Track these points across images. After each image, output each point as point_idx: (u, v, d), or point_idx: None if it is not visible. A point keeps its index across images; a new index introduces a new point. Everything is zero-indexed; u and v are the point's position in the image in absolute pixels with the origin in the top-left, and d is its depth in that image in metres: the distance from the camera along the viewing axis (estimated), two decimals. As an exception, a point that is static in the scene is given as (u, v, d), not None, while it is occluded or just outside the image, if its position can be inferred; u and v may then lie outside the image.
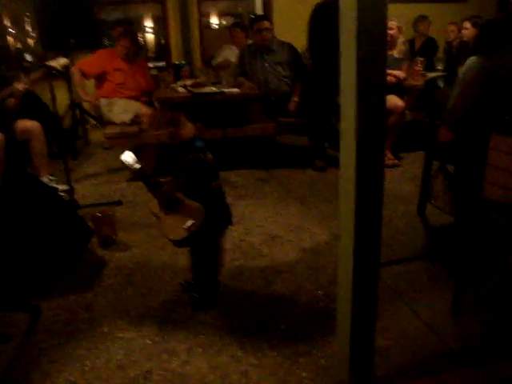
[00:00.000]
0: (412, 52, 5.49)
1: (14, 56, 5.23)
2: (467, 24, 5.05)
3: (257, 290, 2.60)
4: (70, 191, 3.72)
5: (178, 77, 5.15)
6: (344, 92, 1.52)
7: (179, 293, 2.55)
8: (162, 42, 6.41)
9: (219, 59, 5.54)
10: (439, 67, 5.39)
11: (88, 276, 2.78)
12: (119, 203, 3.77)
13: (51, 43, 5.02)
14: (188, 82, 4.71)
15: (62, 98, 5.13)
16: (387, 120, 4.12)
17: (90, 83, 4.90)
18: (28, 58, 5.56)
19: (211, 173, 2.28)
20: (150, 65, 5.89)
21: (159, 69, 5.99)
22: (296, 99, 4.57)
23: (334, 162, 4.49)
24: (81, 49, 5.25)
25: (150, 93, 4.95)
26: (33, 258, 2.66)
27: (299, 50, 4.85)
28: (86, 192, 4.16)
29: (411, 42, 5.74)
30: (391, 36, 4.57)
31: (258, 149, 4.82)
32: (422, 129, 4.66)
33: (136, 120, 4.52)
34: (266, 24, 4.69)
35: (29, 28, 5.59)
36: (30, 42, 5.68)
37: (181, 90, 4.52)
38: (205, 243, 2.36)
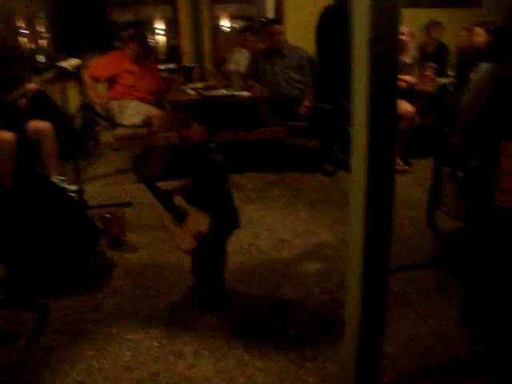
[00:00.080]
0: (423, 57, 5.47)
1: (26, 57, 5.28)
2: (480, 30, 5.01)
3: (264, 293, 2.60)
4: (80, 191, 3.74)
5: (188, 79, 5.16)
6: (355, 96, 1.51)
7: (186, 295, 2.55)
8: (173, 44, 6.43)
9: (231, 66, 5.55)
10: (450, 73, 5.37)
11: (96, 277, 2.79)
12: (128, 204, 3.79)
13: (63, 44, 5.05)
14: (199, 85, 4.73)
15: (74, 99, 5.16)
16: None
17: (102, 85, 4.93)
18: (40, 58, 5.60)
19: (222, 175, 2.29)
20: (161, 67, 5.90)
21: (170, 71, 6.01)
22: (307, 103, 4.55)
23: (344, 166, 4.52)
24: (93, 50, 5.29)
25: (161, 95, 4.96)
26: (42, 257, 2.68)
27: (310, 53, 4.85)
28: (96, 193, 4.18)
29: (423, 48, 5.72)
30: (402, 41, 4.56)
31: (268, 152, 4.83)
32: (432, 134, 4.65)
33: (147, 122, 4.54)
34: (278, 28, 4.70)
35: (41, 29, 5.63)
36: (43, 42, 5.72)
37: (191, 92, 4.53)
38: (210, 246, 2.36)
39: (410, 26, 4.80)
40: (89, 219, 3.01)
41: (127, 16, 6.75)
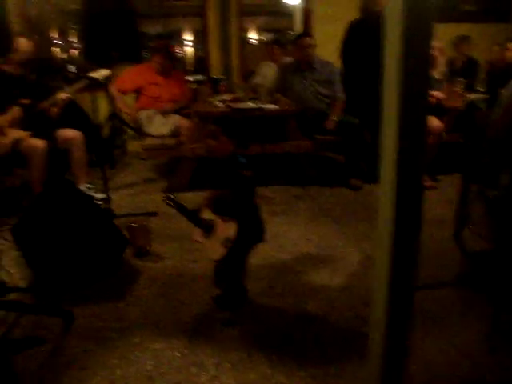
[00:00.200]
0: (452, 72, 5.42)
1: (58, 67, 5.40)
2: (511, 45, 4.97)
3: (287, 307, 2.58)
4: (107, 200, 3.79)
5: (216, 91, 5.21)
6: (385, 111, 1.50)
7: (210, 306, 2.56)
8: (201, 55, 6.50)
9: (258, 80, 5.58)
10: (480, 89, 5.31)
11: (121, 285, 2.82)
12: (154, 214, 3.82)
13: (94, 55, 5.15)
14: (226, 97, 4.77)
15: (103, 109, 5.25)
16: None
17: (130, 95, 5.00)
18: (71, 68, 5.73)
19: (250, 190, 2.31)
20: (190, 78, 5.97)
21: (198, 82, 6.07)
22: (334, 118, 4.53)
23: (370, 181, 4.49)
24: (123, 61, 5.38)
25: (185, 104, 5.00)
26: (69, 264, 2.72)
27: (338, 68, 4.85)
28: (122, 201, 4.23)
29: (452, 63, 5.67)
30: (432, 56, 4.53)
31: (294, 165, 4.83)
32: (460, 151, 4.59)
33: (175, 132, 4.59)
34: (309, 41, 4.70)
35: (73, 39, 5.76)
36: (74, 53, 5.85)
37: (219, 104, 4.57)
38: (234, 257, 2.38)
39: (439, 40, 4.77)
40: (115, 228, 3.05)
41: (157, 27, 6.87)
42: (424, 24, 1.39)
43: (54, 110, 4.01)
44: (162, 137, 4.61)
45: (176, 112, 4.83)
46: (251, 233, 2.33)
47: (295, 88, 4.69)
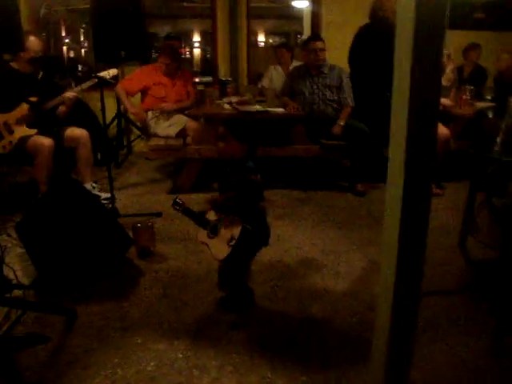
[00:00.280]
0: (460, 80, 5.41)
1: (67, 65, 5.42)
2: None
3: (290, 311, 2.58)
4: (112, 199, 3.80)
5: (223, 93, 5.21)
6: (395, 118, 1.50)
7: (213, 309, 2.56)
8: (208, 56, 6.52)
9: (265, 83, 5.59)
10: (488, 96, 5.29)
11: (125, 285, 2.82)
12: (159, 215, 3.83)
13: (103, 54, 5.17)
14: (233, 99, 4.77)
15: (111, 108, 5.27)
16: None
17: (137, 96, 5.02)
18: (80, 67, 5.75)
19: (258, 195, 2.32)
20: (197, 79, 5.98)
21: (205, 84, 6.08)
22: (341, 123, 4.51)
23: (375, 187, 4.48)
24: (131, 60, 5.40)
25: (191, 106, 5.00)
26: (73, 262, 2.72)
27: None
28: (127, 201, 4.24)
29: (460, 70, 5.66)
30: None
31: (299, 169, 4.82)
32: (467, 158, 4.57)
33: (181, 134, 4.59)
34: (321, 44, 4.65)
35: (82, 39, 5.79)
36: (83, 52, 5.88)
37: (226, 106, 4.57)
38: (239, 261, 2.38)
39: (447, 48, 4.76)
40: (120, 227, 3.05)
41: (166, 28, 6.89)
42: (436, 31, 1.39)
43: (63, 108, 4.02)
44: (168, 137, 4.62)
45: (180, 112, 4.84)
46: (257, 236, 2.33)
47: (303, 92, 4.67)
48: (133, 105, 4.93)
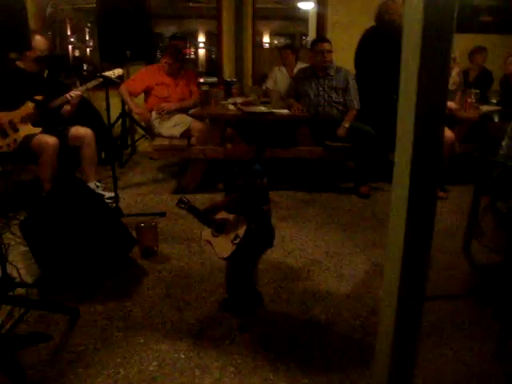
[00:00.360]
0: (466, 83, 5.40)
1: (72, 64, 5.43)
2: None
3: (293, 313, 2.57)
4: (116, 199, 3.80)
5: (228, 94, 5.21)
6: (402, 122, 1.50)
7: (216, 310, 2.56)
8: (213, 57, 6.52)
9: (269, 84, 5.59)
10: (493, 100, 5.28)
11: (128, 285, 2.82)
12: (163, 215, 3.83)
13: (108, 54, 5.17)
14: (238, 100, 4.77)
15: (116, 107, 5.27)
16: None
17: (142, 96, 5.02)
18: (85, 66, 5.76)
19: (264, 197, 2.32)
20: (202, 80, 5.98)
21: (210, 85, 6.09)
22: (346, 125, 4.49)
23: (379, 189, 4.47)
24: (136, 60, 5.40)
25: (194, 106, 4.99)
26: (76, 260, 2.72)
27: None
28: (131, 201, 4.25)
29: (466, 73, 5.65)
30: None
31: (304, 171, 4.82)
32: (471, 162, 4.56)
33: (186, 134, 4.59)
34: (328, 46, 4.62)
35: (88, 38, 5.80)
36: (88, 51, 5.89)
37: (231, 107, 4.57)
38: (245, 262, 2.38)
39: (453, 51, 4.75)
40: (123, 227, 3.05)
41: (171, 28, 6.89)
42: (444, 35, 1.38)
43: (68, 107, 4.03)
44: (172, 137, 4.62)
45: (182, 111, 4.84)
46: (261, 236, 2.33)
47: (309, 93, 4.65)
48: (137, 105, 4.93)
